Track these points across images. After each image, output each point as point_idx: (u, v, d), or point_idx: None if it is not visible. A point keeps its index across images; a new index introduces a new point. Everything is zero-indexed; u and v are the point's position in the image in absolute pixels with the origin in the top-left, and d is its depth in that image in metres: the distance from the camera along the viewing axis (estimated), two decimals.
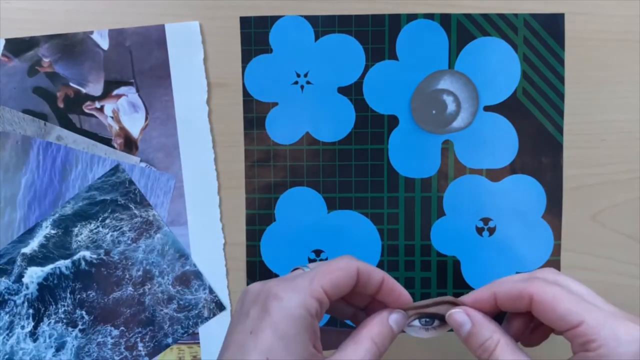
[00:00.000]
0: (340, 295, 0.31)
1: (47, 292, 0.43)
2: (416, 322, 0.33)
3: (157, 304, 0.43)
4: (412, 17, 0.42)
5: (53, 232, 0.43)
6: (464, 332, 0.32)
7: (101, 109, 0.43)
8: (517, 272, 0.43)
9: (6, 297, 0.43)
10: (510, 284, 0.31)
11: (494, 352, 0.30)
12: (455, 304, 0.32)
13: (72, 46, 0.42)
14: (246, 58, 0.42)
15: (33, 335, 0.43)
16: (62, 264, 0.43)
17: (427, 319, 0.33)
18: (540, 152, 0.42)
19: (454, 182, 0.43)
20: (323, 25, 0.42)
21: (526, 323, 0.33)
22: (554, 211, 0.43)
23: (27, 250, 0.43)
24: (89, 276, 0.43)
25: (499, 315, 0.33)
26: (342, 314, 0.35)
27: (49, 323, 0.43)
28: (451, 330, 0.32)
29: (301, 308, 0.29)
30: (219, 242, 0.43)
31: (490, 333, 0.31)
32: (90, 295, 0.43)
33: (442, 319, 0.33)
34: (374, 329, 0.31)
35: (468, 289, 0.43)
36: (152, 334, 0.43)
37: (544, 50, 0.42)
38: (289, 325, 0.29)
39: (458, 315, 0.32)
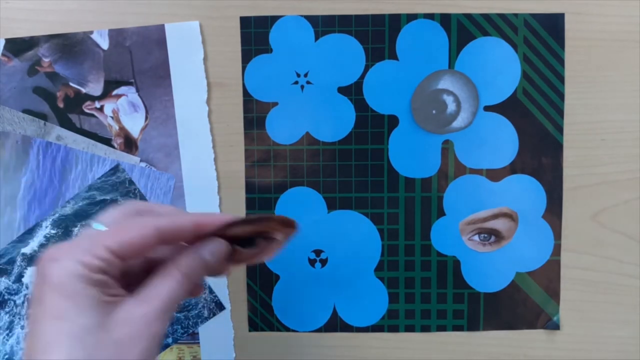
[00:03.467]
0: (140, 252, 0.30)
1: None
2: (476, 237, 0.41)
3: None
4: (412, 17, 0.42)
5: (53, 232, 0.43)
6: None
7: (101, 109, 0.43)
8: (517, 272, 0.43)
9: (6, 297, 0.43)
10: None
11: None
12: (511, 216, 0.42)
13: (72, 46, 0.42)
14: (246, 58, 0.42)
15: None
16: None
17: (485, 235, 0.40)
18: (540, 152, 0.42)
19: (454, 182, 0.43)
20: (323, 25, 0.42)
21: None
22: (554, 211, 0.43)
23: (27, 250, 0.43)
24: None
25: None
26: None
27: None
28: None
29: (80, 267, 0.28)
30: None
31: None
32: None
33: (497, 235, 0.41)
34: (182, 262, 0.31)
35: (468, 289, 0.43)
36: None
37: (544, 50, 0.42)
38: (72, 285, 0.27)
39: None
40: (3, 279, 0.43)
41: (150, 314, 0.28)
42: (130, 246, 0.29)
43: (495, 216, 0.42)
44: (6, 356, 0.43)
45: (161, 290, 0.29)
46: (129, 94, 0.42)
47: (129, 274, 0.31)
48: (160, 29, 0.42)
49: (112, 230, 0.30)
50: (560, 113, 0.42)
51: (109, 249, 0.28)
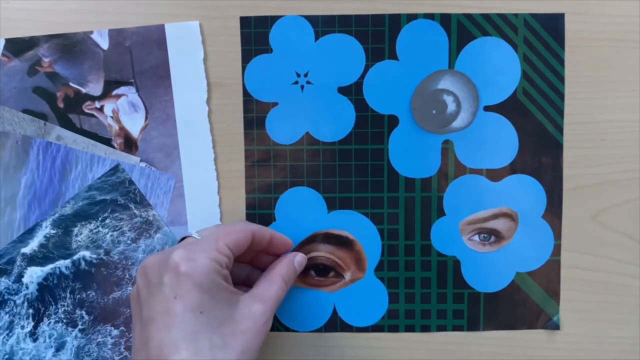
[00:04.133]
0: (240, 252, 0.36)
1: (47, 292, 0.43)
2: (476, 237, 0.41)
3: None
4: (412, 17, 0.42)
5: (53, 232, 0.43)
6: None
7: (101, 109, 0.43)
8: (517, 272, 0.43)
9: (6, 297, 0.43)
10: None
11: None
12: (511, 216, 0.41)
13: (72, 46, 0.42)
14: (246, 58, 0.42)
15: (33, 335, 0.43)
16: (62, 263, 0.43)
17: (485, 235, 0.40)
18: (540, 152, 0.42)
19: (454, 182, 0.43)
20: (323, 25, 0.42)
21: None
22: (554, 211, 0.43)
23: (27, 250, 0.43)
24: (89, 276, 0.43)
25: None
26: (236, 275, 0.39)
27: (49, 323, 0.43)
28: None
29: (214, 263, 0.33)
30: None
31: None
32: (90, 295, 0.43)
33: (497, 235, 0.41)
34: (283, 269, 0.37)
35: (468, 289, 0.43)
36: None
37: (544, 50, 0.42)
38: (210, 280, 0.32)
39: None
40: (3, 279, 0.43)
41: (267, 312, 0.34)
42: (239, 244, 0.35)
43: (495, 216, 0.42)
44: (6, 356, 0.43)
45: (271, 292, 0.36)
46: (129, 94, 0.43)
47: None
48: (160, 29, 0.42)
49: (224, 231, 0.35)
50: (560, 113, 0.42)
51: (228, 247, 0.34)
